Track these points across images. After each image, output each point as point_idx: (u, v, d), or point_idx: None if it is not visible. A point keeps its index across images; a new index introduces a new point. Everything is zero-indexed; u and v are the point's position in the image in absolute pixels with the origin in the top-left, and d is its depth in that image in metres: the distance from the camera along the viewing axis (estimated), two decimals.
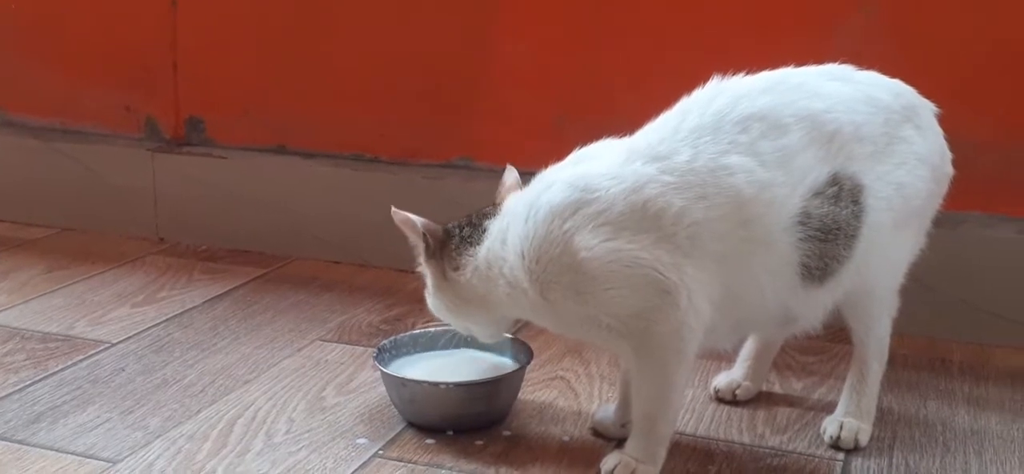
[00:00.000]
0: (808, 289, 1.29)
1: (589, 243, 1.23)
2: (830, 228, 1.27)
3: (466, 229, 1.35)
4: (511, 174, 1.41)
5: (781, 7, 1.84)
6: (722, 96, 1.30)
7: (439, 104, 2.08)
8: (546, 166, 1.36)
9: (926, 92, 1.41)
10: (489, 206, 1.38)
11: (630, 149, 1.29)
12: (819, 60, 1.39)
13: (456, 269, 1.34)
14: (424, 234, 1.36)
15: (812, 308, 1.34)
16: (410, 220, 1.37)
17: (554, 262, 1.25)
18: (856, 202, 1.29)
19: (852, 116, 1.31)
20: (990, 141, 1.74)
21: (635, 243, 1.23)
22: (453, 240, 1.36)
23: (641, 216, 1.23)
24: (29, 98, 2.39)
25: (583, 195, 1.25)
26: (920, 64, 1.65)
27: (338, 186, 2.12)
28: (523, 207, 1.29)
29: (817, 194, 1.27)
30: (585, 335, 1.33)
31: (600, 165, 1.28)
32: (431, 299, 1.40)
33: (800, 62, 1.38)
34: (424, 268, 1.40)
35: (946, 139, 1.41)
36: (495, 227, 1.33)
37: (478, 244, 1.33)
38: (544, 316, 1.32)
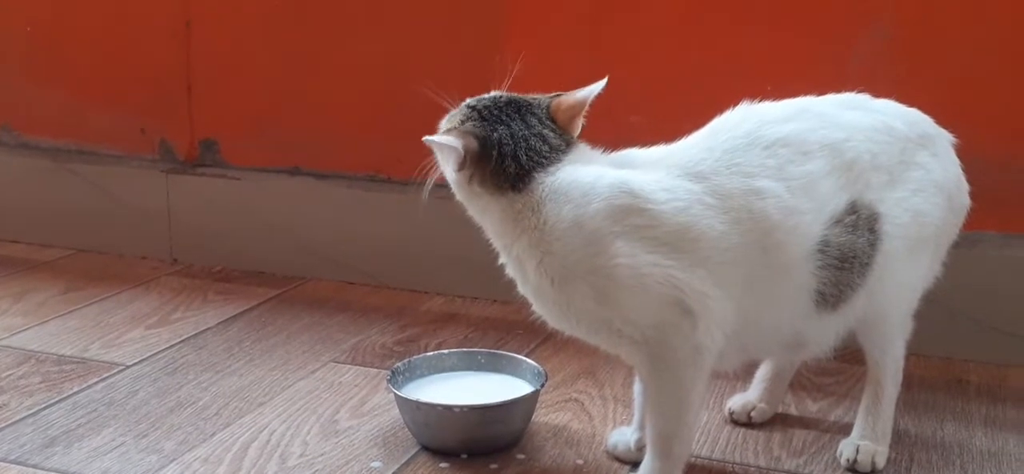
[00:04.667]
0: (821, 315, 1.29)
1: (629, 251, 1.22)
2: (847, 256, 1.28)
3: (523, 155, 1.28)
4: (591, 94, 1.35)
5: (793, 29, 1.83)
6: (749, 120, 1.30)
7: None
8: None
9: (940, 111, 1.41)
10: (558, 139, 1.31)
11: (676, 164, 1.28)
12: (832, 82, 1.38)
13: (491, 190, 1.28)
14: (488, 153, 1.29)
15: (824, 334, 1.34)
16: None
17: (589, 259, 1.23)
18: (872, 230, 1.29)
19: (869, 145, 1.31)
20: (1005, 160, 1.73)
21: (672, 260, 1.22)
22: (505, 159, 1.28)
23: (683, 235, 1.23)
24: (44, 120, 2.40)
25: (635, 202, 1.23)
26: (933, 84, 1.64)
27: (351, 207, 2.12)
28: (577, 193, 1.24)
29: (837, 222, 1.27)
30: (587, 334, 1.29)
31: (652, 175, 1.27)
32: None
33: (813, 84, 1.37)
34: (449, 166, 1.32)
35: (960, 158, 1.41)
36: (546, 189, 1.26)
37: (524, 185, 1.27)
38: (544, 298, 1.28)
